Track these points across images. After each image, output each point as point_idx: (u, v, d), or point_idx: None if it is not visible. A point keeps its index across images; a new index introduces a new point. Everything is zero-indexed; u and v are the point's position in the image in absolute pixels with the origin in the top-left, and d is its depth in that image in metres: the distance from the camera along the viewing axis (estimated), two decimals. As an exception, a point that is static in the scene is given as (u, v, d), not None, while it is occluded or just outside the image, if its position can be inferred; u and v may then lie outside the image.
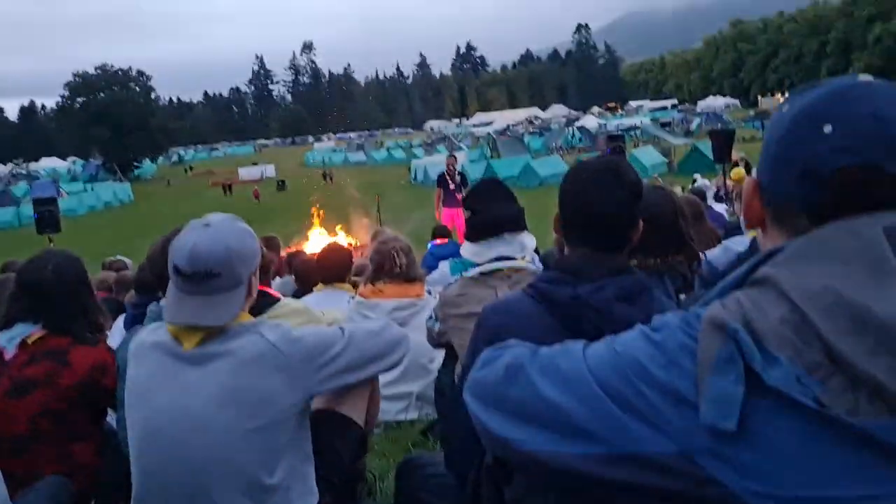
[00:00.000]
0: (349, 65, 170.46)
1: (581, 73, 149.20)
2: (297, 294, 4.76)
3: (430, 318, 2.75)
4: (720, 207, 9.24)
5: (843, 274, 0.79)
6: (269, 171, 53.43)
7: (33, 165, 71.93)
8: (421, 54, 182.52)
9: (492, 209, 2.57)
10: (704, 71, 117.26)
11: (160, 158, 79.95)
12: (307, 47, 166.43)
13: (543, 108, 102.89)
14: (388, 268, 3.68)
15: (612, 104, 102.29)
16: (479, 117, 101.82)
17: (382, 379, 2.57)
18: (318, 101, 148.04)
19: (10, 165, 70.24)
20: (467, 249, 2.62)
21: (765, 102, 73.78)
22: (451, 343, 2.66)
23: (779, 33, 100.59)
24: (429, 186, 24.72)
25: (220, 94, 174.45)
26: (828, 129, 0.85)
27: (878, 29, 77.18)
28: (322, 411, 2.07)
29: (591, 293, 1.53)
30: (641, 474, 0.86)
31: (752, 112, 61.10)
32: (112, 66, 74.57)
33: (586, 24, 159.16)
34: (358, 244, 10.94)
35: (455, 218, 10.83)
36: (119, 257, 8.75)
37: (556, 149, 43.06)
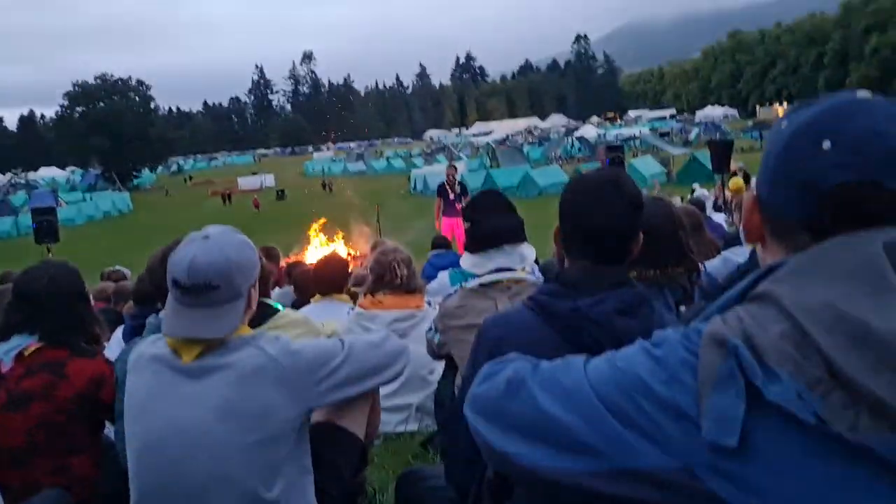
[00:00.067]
0: (349, 75, 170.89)
1: (580, 83, 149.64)
2: (297, 304, 4.75)
3: (430, 329, 2.74)
4: (719, 217, 9.24)
5: (843, 290, 0.79)
6: (269, 180, 53.55)
7: (32, 175, 72.03)
8: (420, 64, 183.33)
9: (491, 220, 2.57)
10: (703, 81, 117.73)
11: (159, 168, 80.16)
12: (307, 57, 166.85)
13: (543, 118, 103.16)
14: (389, 279, 3.67)
15: (611, 114, 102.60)
16: (479, 127, 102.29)
17: (382, 390, 2.56)
18: (318, 111, 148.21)
19: (8, 175, 70.27)
20: (467, 261, 2.62)
21: (763, 113, 74.09)
22: (451, 354, 2.65)
23: (776, 44, 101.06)
24: (428, 196, 24.79)
25: (220, 104, 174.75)
26: (827, 144, 0.85)
27: (875, 40, 77.54)
28: (322, 424, 2.06)
29: (592, 306, 1.53)
30: (642, 489, 0.86)
31: (750, 122, 61.35)
32: (112, 76, 74.81)
33: (585, 35, 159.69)
34: (357, 254, 10.95)
35: (455, 228, 10.83)
36: (118, 268, 8.76)
37: (555, 158, 43.23)
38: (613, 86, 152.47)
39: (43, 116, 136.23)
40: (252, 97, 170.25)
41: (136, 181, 68.27)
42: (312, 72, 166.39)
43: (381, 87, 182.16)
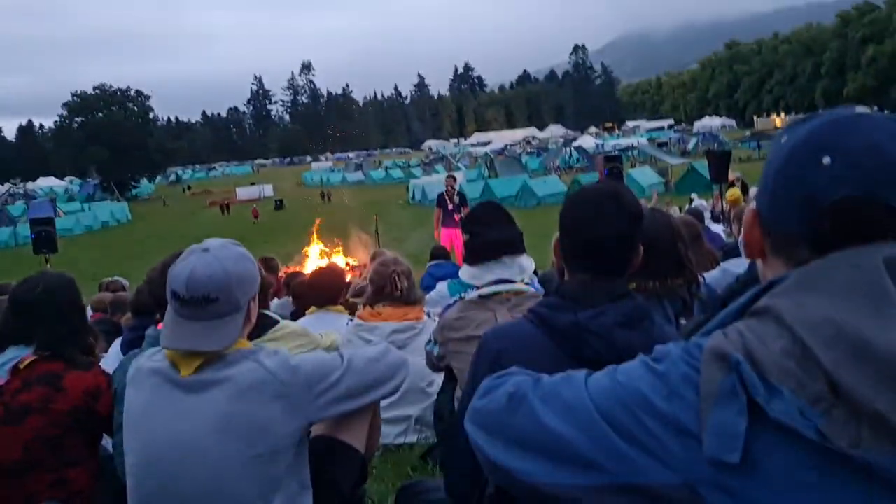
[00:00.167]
0: (347, 85, 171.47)
1: (578, 94, 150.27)
2: (295, 315, 4.73)
3: (430, 341, 2.74)
4: (717, 228, 9.25)
5: (843, 305, 0.79)
6: (267, 190, 53.55)
7: (31, 185, 71.98)
8: (419, 75, 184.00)
9: (490, 232, 2.57)
10: (700, 92, 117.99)
11: (158, 178, 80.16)
12: (306, 68, 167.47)
13: (541, 128, 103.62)
14: (389, 291, 3.67)
15: (609, 124, 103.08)
16: (477, 137, 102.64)
17: (381, 402, 2.55)
18: (317, 121, 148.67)
19: (7, 185, 70.24)
20: (466, 273, 2.62)
21: (761, 123, 74.45)
22: (451, 366, 2.65)
23: (773, 55, 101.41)
24: (427, 206, 24.80)
25: (219, 114, 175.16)
26: (826, 160, 0.85)
27: (872, 50, 77.88)
28: (321, 438, 2.05)
29: (592, 319, 1.53)
30: (643, 504, 0.85)
31: (748, 132, 61.51)
32: (111, 86, 74.82)
33: (583, 45, 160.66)
34: (357, 264, 10.94)
35: (454, 238, 10.83)
36: (116, 278, 8.74)
37: (553, 168, 43.37)
38: (611, 96, 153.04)
39: (42, 126, 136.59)
40: (251, 107, 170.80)
41: (134, 191, 68.27)
42: (311, 82, 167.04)
43: (379, 97, 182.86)
